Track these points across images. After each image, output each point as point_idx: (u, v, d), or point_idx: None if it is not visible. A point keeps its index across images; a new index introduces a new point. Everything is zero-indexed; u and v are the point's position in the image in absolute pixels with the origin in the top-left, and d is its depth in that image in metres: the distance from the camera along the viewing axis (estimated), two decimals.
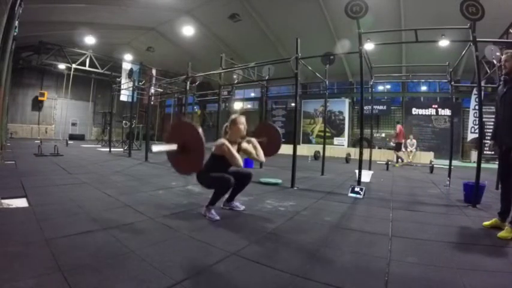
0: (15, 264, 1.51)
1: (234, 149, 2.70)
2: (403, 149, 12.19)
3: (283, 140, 3.87)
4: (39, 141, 9.31)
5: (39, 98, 17.94)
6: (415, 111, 15.05)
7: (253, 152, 2.95)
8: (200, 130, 2.40)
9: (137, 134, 14.06)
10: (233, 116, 2.83)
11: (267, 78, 7.96)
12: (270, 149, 3.34)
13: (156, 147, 2.51)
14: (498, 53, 6.16)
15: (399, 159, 10.24)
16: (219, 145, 2.69)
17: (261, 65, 7.57)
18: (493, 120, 3.06)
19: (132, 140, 10.23)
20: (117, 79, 15.75)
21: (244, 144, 2.93)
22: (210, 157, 2.74)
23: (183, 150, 2.41)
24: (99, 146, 13.18)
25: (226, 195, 3.01)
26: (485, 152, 6.54)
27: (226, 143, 2.67)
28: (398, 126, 10.44)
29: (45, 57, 15.13)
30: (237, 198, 3.09)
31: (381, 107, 15.74)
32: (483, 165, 3.87)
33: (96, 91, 20.12)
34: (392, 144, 10.77)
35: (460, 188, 4.25)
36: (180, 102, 21.62)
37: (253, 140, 2.98)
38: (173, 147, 2.43)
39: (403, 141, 10.53)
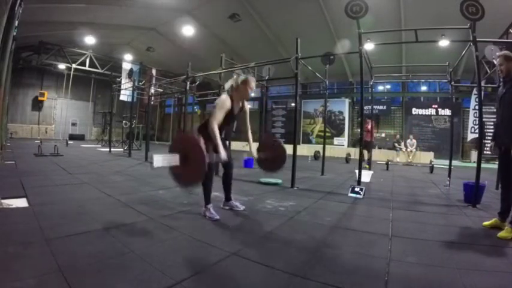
0: (15, 264, 1.51)
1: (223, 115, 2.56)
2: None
3: (283, 140, 3.87)
4: (39, 141, 9.31)
5: (39, 98, 17.96)
6: (415, 111, 15.06)
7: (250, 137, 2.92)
8: (202, 142, 2.29)
9: (137, 134, 14.06)
10: (243, 77, 2.70)
11: (267, 78, 7.95)
12: (278, 164, 3.13)
13: (157, 162, 2.25)
14: (498, 53, 6.15)
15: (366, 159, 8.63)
16: (212, 113, 2.54)
17: (261, 65, 7.55)
18: (493, 120, 3.06)
19: (132, 140, 10.23)
20: (117, 79, 15.76)
21: (247, 106, 2.88)
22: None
23: (185, 162, 2.26)
24: (99, 146, 13.18)
25: (222, 195, 3.02)
26: (485, 152, 6.54)
27: (218, 117, 2.53)
28: (371, 122, 8.94)
29: (45, 57, 15.14)
30: (236, 198, 3.08)
31: (381, 107, 15.74)
32: (483, 165, 3.86)
33: (96, 91, 20.13)
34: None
35: (460, 188, 4.25)
36: (180, 102, 21.61)
37: (250, 134, 2.92)
38: (176, 161, 2.26)
39: (372, 139, 9.14)
